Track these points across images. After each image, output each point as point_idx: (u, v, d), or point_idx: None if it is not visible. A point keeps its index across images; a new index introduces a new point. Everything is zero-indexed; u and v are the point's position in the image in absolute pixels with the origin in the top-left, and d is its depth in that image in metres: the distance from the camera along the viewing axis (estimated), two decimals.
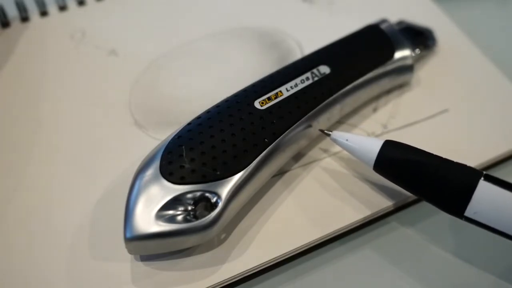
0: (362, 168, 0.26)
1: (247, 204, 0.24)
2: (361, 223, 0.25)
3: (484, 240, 0.24)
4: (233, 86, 0.26)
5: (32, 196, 0.26)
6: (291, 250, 0.24)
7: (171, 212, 0.22)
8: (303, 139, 0.26)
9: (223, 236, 0.24)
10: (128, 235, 0.21)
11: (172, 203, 0.22)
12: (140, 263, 0.23)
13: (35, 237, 0.24)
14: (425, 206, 0.24)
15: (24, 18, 0.35)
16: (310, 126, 0.26)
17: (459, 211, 0.22)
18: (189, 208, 0.22)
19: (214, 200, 0.22)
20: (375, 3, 0.35)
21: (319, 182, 0.26)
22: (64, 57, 0.32)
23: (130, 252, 0.22)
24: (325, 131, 0.26)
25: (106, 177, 0.26)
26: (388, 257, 0.25)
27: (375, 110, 0.29)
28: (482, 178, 0.22)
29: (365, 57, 0.28)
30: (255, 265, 0.23)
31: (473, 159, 0.26)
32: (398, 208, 0.26)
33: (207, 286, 0.23)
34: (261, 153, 0.24)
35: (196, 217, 0.22)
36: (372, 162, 0.24)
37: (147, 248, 0.22)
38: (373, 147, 0.24)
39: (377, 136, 0.28)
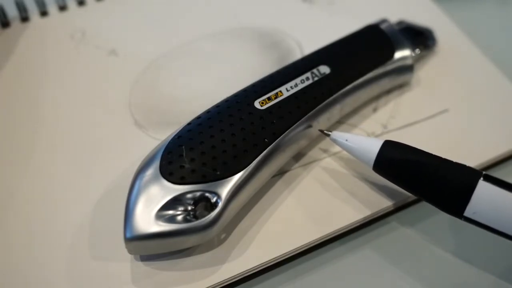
0: (362, 168, 0.26)
1: (247, 204, 0.24)
2: (361, 223, 0.25)
3: (484, 240, 0.24)
4: (233, 86, 0.26)
5: (32, 196, 0.26)
6: (291, 250, 0.24)
7: (171, 212, 0.22)
8: (303, 139, 0.26)
9: (223, 236, 0.24)
10: (128, 235, 0.21)
11: (172, 203, 0.22)
12: (140, 263, 0.23)
13: (35, 237, 0.24)
14: (425, 206, 0.24)
15: (24, 18, 0.35)
16: (310, 126, 0.26)
17: (458, 211, 0.22)
18: (189, 208, 0.22)
19: (214, 200, 0.22)
20: (375, 3, 0.35)
21: (319, 182, 0.26)
22: (64, 57, 0.32)
23: (130, 252, 0.22)
24: (325, 131, 0.26)
25: (106, 177, 0.26)
26: (388, 257, 0.25)
27: (375, 110, 0.29)
28: (482, 178, 0.22)
29: (365, 57, 0.28)
30: (255, 265, 0.23)
31: (473, 159, 0.26)
32: (398, 208, 0.26)
33: (207, 286, 0.23)
34: (261, 153, 0.24)
35: (196, 217, 0.22)
36: (372, 162, 0.24)
37: (147, 248, 0.22)
38: (373, 147, 0.24)
39: (377, 136, 0.28)
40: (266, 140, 0.24)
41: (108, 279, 0.23)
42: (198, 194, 0.22)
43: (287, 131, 0.25)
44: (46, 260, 0.24)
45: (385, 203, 0.25)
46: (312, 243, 0.24)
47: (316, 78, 0.26)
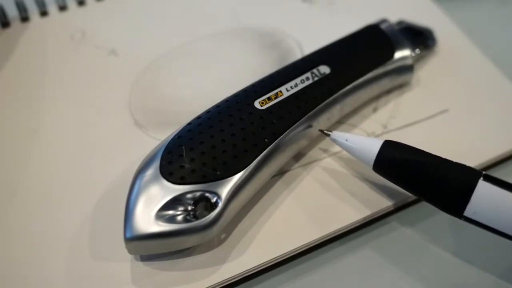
0: (362, 168, 0.26)
1: (247, 204, 0.24)
2: (361, 223, 0.25)
3: (484, 240, 0.24)
4: (233, 86, 0.26)
5: (32, 196, 0.26)
6: (291, 250, 0.24)
7: (171, 212, 0.22)
8: (303, 139, 0.26)
9: (223, 236, 0.24)
10: (128, 235, 0.21)
11: (172, 203, 0.22)
12: (140, 263, 0.23)
13: (35, 237, 0.24)
14: (425, 206, 0.24)
15: (24, 18, 0.35)
16: (310, 126, 0.26)
17: (458, 211, 0.22)
18: (189, 208, 0.22)
19: (214, 200, 0.22)
20: (375, 3, 0.35)
21: (319, 182, 0.26)
22: (64, 57, 0.32)
23: (130, 252, 0.22)
24: (325, 131, 0.26)
25: (106, 177, 0.26)
26: (388, 257, 0.25)
27: (375, 110, 0.29)
28: (482, 178, 0.22)
29: (365, 57, 0.28)
30: (255, 265, 0.23)
31: (473, 159, 0.26)
32: (398, 208, 0.26)
33: (207, 286, 0.23)
34: (261, 153, 0.24)
35: (196, 217, 0.22)
36: (372, 162, 0.24)
37: (147, 248, 0.22)
38: (373, 147, 0.24)
39: (377, 136, 0.28)
40: (266, 140, 0.24)
41: (108, 279, 0.23)
42: (198, 194, 0.22)
43: (287, 131, 0.25)
44: (46, 260, 0.24)
45: (385, 203, 0.25)
46: (312, 243, 0.24)
47: (316, 78, 0.26)
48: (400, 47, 0.29)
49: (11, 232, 0.25)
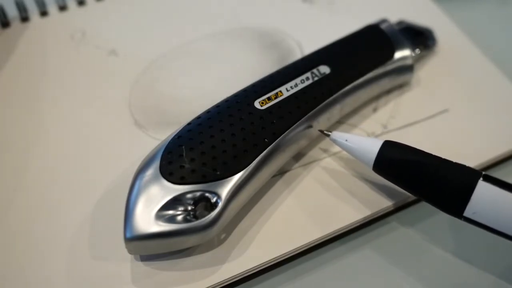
0: (362, 168, 0.26)
1: (247, 204, 0.24)
2: (361, 223, 0.25)
3: (484, 240, 0.24)
4: (233, 86, 0.26)
5: (32, 196, 0.26)
6: (291, 250, 0.24)
7: (171, 212, 0.22)
8: (303, 139, 0.26)
9: (223, 236, 0.24)
10: (128, 235, 0.21)
11: (172, 203, 0.22)
12: (140, 263, 0.23)
13: (35, 237, 0.24)
14: (425, 206, 0.24)
15: (24, 18, 0.35)
16: (310, 126, 0.26)
17: (458, 211, 0.22)
18: (189, 208, 0.22)
19: (214, 200, 0.22)
20: (375, 3, 0.35)
21: (319, 182, 0.26)
22: (64, 57, 0.32)
23: (130, 252, 0.22)
24: (325, 132, 0.26)
25: (106, 177, 0.26)
26: (388, 257, 0.25)
27: (375, 110, 0.29)
28: (481, 179, 0.22)
29: (365, 57, 0.28)
30: (255, 265, 0.23)
31: (473, 159, 0.26)
32: (398, 208, 0.26)
33: (207, 286, 0.23)
34: (261, 153, 0.24)
35: (196, 217, 0.22)
36: (372, 163, 0.24)
37: (147, 248, 0.22)
38: (373, 147, 0.24)
39: (377, 136, 0.28)
40: (266, 140, 0.24)
41: (108, 279, 0.23)
42: (198, 194, 0.22)
43: (287, 131, 0.25)
44: (46, 260, 0.24)
45: (385, 203, 0.25)
46: (312, 243, 0.24)
47: (316, 78, 0.26)
48: (400, 47, 0.29)
49: (11, 232, 0.25)
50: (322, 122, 0.26)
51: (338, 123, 0.29)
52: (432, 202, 0.23)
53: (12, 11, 0.35)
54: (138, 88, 0.31)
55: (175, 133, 0.24)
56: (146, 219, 0.22)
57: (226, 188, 0.22)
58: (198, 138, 0.23)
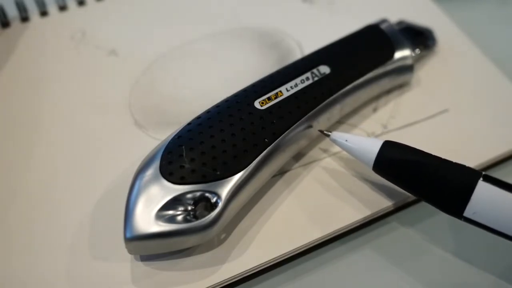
0: (362, 168, 0.26)
1: (247, 204, 0.24)
2: (361, 223, 0.25)
3: (484, 240, 0.24)
4: (233, 86, 0.26)
5: (32, 196, 0.26)
6: (291, 250, 0.24)
7: (171, 212, 0.22)
8: (303, 139, 0.26)
9: (223, 236, 0.24)
10: (128, 235, 0.21)
11: (172, 203, 0.22)
12: (140, 263, 0.23)
13: (35, 237, 0.24)
14: (425, 206, 0.24)
15: (24, 18, 0.35)
16: (310, 126, 0.26)
17: (458, 212, 0.22)
18: (189, 208, 0.22)
19: (214, 200, 0.22)
20: (375, 3, 0.35)
21: (319, 182, 0.26)
22: (64, 57, 0.32)
23: (130, 252, 0.22)
24: (325, 132, 0.26)
25: (106, 177, 0.26)
26: (388, 257, 0.25)
27: (375, 110, 0.29)
28: (481, 179, 0.22)
29: (365, 57, 0.28)
30: (255, 265, 0.23)
31: (473, 159, 0.26)
32: (398, 208, 0.26)
33: (207, 286, 0.23)
34: (261, 153, 0.24)
35: (196, 217, 0.22)
36: (372, 163, 0.24)
37: (147, 248, 0.22)
38: (372, 147, 0.24)
39: (377, 136, 0.28)
40: (266, 140, 0.24)
41: (108, 279, 0.23)
42: (198, 194, 0.22)
43: (287, 131, 0.25)
44: (46, 260, 0.24)
45: (385, 203, 0.25)
46: (312, 243, 0.24)
47: (316, 78, 0.26)
48: (400, 47, 0.29)
49: (11, 232, 0.25)
50: (322, 122, 0.26)
51: (338, 123, 0.29)
52: (432, 202, 0.23)
53: (12, 11, 0.35)
54: (138, 88, 0.31)
55: (175, 133, 0.24)
56: (146, 219, 0.22)
57: (226, 188, 0.22)
58: (198, 138, 0.23)
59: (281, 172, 0.26)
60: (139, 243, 0.22)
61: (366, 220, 0.25)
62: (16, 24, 0.34)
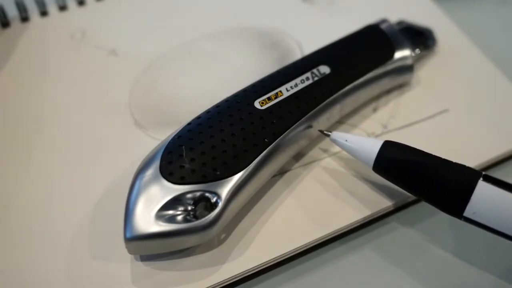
0: (362, 168, 0.26)
1: (247, 204, 0.24)
2: (361, 223, 0.25)
3: (484, 240, 0.24)
4: (233, 86, 0.26)
5: (32, 196, 0.26)
6: (291, 250, 0.24)
7: (171, 212, 0.22)
8: (303, 139, 0.26)
9: (223, 236, 0.24)
10: (128, 235, 0.21)
11: (172, 203, 0.22)
12: (140, 263, 0.23)
13: (35, 237, 0.24)
14: (425, 206, 0.24)
15: (24, 18, 0.35)
16: (310, 126, 0.26)
17: (458, 212, 0.22)
18: (189, 208, 0.22)
19: (214, 200, 0.22)
20: (375, 3, 0.35)
21: (319, 182, 0.26)
22: (64, 57, 0.32)
23: (130, 252, 0.22)
24: (325, 132, 0.26)
25: (106, 177, 0.26)
26: (388, 257, 0.25)
27: (375, 110, 0.29)
28: (481, 179, 0.22)
29: (365, 57, 0.28)
30: (255, 265, 0.23)
31: (473, 159, 0.26)
32: (398, 208, 0.26)
33: (207, 286, 0.23)
34: (261, 153, 0.24)
35: (196, 217, 0.22)
36: (372, 163, 0.24)
37: (147, 248, 0.22)
38: (373, 147, 0.24)
39: (377, 136, 0.28)
40: (266, 140, 0.24)
41: (108, 279, 0.23)
42: (198, 194, 0.22)
43: (287, 131, 0.25)
44: (46, 260, 0.24)
45: (385, 203, 0.25)
46: (312, 243, 0.24)
47: (316, 78, 0.26)
48: (400, 47, 0.29)
49: (11, 232, 0.25)
50: (322, 122, 0.26)
51: (338, 123, 0.29)
52: (432, 202, 0.23)
53: (12, 11, 0.35)
54: (138, 88, 0.31)
55: (175, 133, 0.24)
56: (146, 219, 0.22)
57: (226, 188, 0.22)
58: (198, 138, 0.23)
59: (281, 172, 0.26)
60: (139, 243, 0.22)
61: (366, 220, 0.25)
62: (16, 24, 0.34)
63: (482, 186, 0.21)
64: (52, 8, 0.35)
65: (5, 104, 0.30)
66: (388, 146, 0.24)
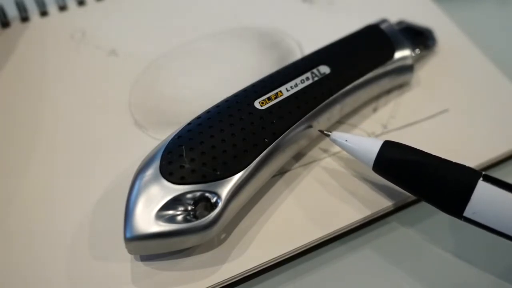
0: (362, 168, 0.26)
1: (247, 204, 0.24)
2: (361, 223, 0.25)
3: (484, 240, 0.24)
4: (233, 86, 0.26)
5: (32, 196, 0.26)
6: (291, 250, 0.24)
7: (171, 212, 0.22)
8: (303, 139, 0.26)
9: (223, 236, 0.24)
10: (128, 235, 0.21)
11: (172, 203, 0.22)
12: (140, 263, 0.23)
13: (35, 237, 0.24)
14: (425, 206, 0.24)
15: (24, 18, 0.35)
16: (310, 126, 0.26)
17: (458, 212, 0.22)
18: (189, 208, 0.22)
19: (214, 200, 0.22)
20: (375, 3, 0.35)
21: (319, 182, 0.26)
22: (64, 57, 0.32)
23: (130, 252, 0.22)
24: (325, 132, 0.26)
25: (106, 177, 0.26)
26: (388, 257, 0.25)
27: (375, 110, 0.29)
28: (481, 179, 0.22)
29: (365, 57, 0.28)
30: (255, 265, 0.23)
31: (473, 159, 0.26)
32: (398, 208, 0.26)
33: (207, 286, 0.23)
34: (261, 153, 0.24)
35: (196, 217, 0.22)
36: (372, 163, 0.24)
37: (147, 248, 0.22)
38: (372, 147, 0.24)
39: (377, 136, 0.28)
40: (266, 140, 0.24)
41: (108, 279, 0.23)
42: (198, 194, 0.22)
43: (287, 131, 0.25)
44: (46, 260, 0.24)
45: (385, 203, 0.25)
46: (312, 243, 0.24)
47: (316, 78, 0.26)
48: (400, 47, 0.29)
49: (11, 232, 0.25)
50: (322, 122, 0.26)
51: (338, 123, 0.29)
52: (432, 202, 0.23)
53: (12, 11, 0.35)
54: (138, 88, 0.31)
55: (175, 133, 0.24)
56: (146, 219, 0.22)
57: (226, 188, 0.22)
58: (198, 138, 0.23)
59: (281, 172, 0.26)
60: (139, 243, 0.22)
61: (366, 220, 0.25)
62: (16, 24, 0.34)
63: (482, 186, 0.21)
64: (52, 8, 0.35)
65: (5, 104, 0.30)
66: (388, 146, 0.24)
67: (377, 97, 0.30)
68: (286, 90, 0.26)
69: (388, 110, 0.29)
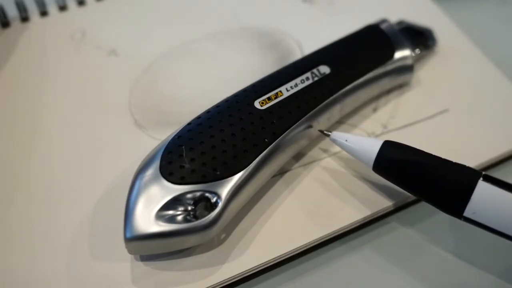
0: (362, 168, 0.26)
1: (247, 204, 0.24)
2: (361, 223, 0.25)
3: (484, 240, 0.24)
4: (233, 86, 0.26)
5: (32, 196, 0.26)
6: (291, 250, 0.24)
7: (171, 212, 0.22)
8: (303, 139, 0.26)
9: (223, 236, 0.24)
10: (128, 235, 0.21)
11: (172, 203, 0.22)
12: (140, 263, 0.23)
13: (35, 237, 0.24)
14: (425, 206, 0.24)
15: (24, 18, 0.35)
16: (310, 126, 0.26)
17: (458, 211, 0.22)
18: (189, 208, 0.22)
19: (214, 200, 0.22)
20: (375, 3, 0.35)
21: (319, 182, 0.26)
22: (64, 57, 0.32)
23: (130, 252, 0.22)
24: (325, 132, 0.26)
25: (106, 177, 0.26)
26: (388, 257, 0.25)
27: (375, 110, 0.29)
28: (481, 179, 0.22)
29: (365, 57, 0.28)
30: (255, 265, 0.23)
31: (473, 159, 0.26)
32: (398, 208, 0.26)
33: (207, 286, 0.23)
34: (261, 153, 0.24)
35: (196, 217, 0.22)
36: (372, 163, 0.24)
37: (147, 248, 0.22)
38: (372, 147, 0.24)
39: (377, 136, 0.28)
40: (266, 140, 0.24)
41: (108, 279, 0.23)
42: (198, 194, 0.22)
43: (287, 131, 0.25)
44: (46, 260, 0.24)
45: (385, 203, 0.25)
46: (312, 243, 0.24)
47: (316, 78, 0.26)
48: (400, 47, 0.29)
49: (11, 232, 0.25)
50: (322, 122, 0.26)
51: (338, 123, 0.29)
52: (432, 202, 0.23)
53: (12, 11, 0.35)
54: (138, 88, 0.31)
55: (175, 133, 0.24)
56: (146, 219, 0.22)
57: (226, 188, 0.22)
58: (198, 138, 0.23)
59: (281, 172, 0.26)
60: (139, 243, 0.22)
61: (366, 220, 0.25)
62: (16, 24, 0.34)
63: (482, 186, 0.21)
64: (52, 8, 0.35)
65: (5, 104, 0.30)
66: (388, 146, 0.24)
67: (377, 97, 0.30)
68: (286, 90, 0.26)
69: (388, 110, 0.29)
